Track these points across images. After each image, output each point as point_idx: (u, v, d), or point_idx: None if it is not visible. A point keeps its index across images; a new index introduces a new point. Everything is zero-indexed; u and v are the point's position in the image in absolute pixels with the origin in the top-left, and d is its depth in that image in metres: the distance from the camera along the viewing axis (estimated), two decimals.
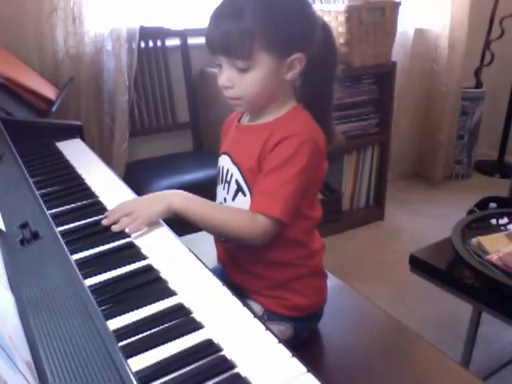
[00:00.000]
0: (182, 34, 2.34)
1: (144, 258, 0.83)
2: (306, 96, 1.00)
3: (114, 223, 0.91)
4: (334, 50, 1.02)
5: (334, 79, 1.01)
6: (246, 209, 0.95)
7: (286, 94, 0.98)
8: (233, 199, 1.01)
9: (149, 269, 0.80)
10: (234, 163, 1.00)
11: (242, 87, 0.94)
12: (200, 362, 0.60)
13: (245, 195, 0.98)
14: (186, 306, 0.70)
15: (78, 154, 1.34)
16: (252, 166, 0.96)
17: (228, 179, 1.02)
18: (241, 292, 1.01)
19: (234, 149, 1.02)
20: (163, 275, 0.78)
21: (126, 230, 0.90)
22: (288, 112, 0.98)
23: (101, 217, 0.94)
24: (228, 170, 1.02)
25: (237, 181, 0.99)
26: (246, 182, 0.98)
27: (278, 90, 0.96)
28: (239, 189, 0.99)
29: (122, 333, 0.65)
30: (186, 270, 0.80)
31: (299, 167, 0.91)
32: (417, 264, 1.45)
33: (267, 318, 1.02)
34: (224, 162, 1.03)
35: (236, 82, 0.93)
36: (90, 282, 0.76)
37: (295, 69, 0.94)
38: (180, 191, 0.95)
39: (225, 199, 1.03)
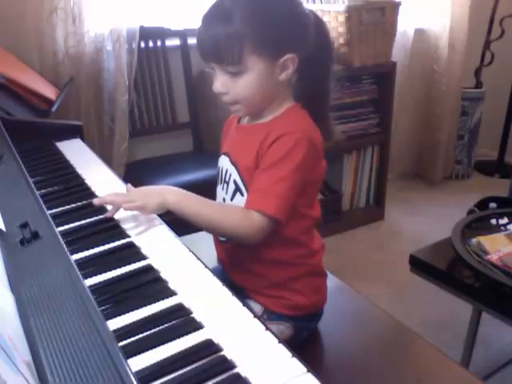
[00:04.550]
0: (182, 34, 2.34)
1: (144, 258, 0.83)
2: (303, 94, 1.00)
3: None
4: (329, 46, 1.01)
5: (330, 76, 1.01)
6: (241, 206, 0.95)
7: (282, 95, 0.98)
8: (231, 199, 1.01)
9: (149, 269, 0.80)
10: (233, 163, 1.00)
11: (236, 91, 0.93)
12: (200, 362, 0.60)
13: (242, 195, 0.98)
14: (186, 305, 0.70)
15: (78, 154, 1.34)
16: (249, 165, 0.96)
17: (227, 179, 1.02)
18: (241, 292, 1.01)
19: (233, 149, 1.02)
20: (163, 275, 0.78)
21: (124, 206, 0.92)
22: (285, 111, 0.98)
23: (101, 217, 0.95)
24: (227, 171, 1.02)
25: (235, 181, 0.99)
26: (243, 182, 0.98)
27: (274, 91, 0.96)
28: (237, 189, 0.99)
29: (122, 333, 0.65)
30: (186, 270, 0.80)
31: (294, 164, 0.91)
32: (417, 264, 1.44)
33: (267, 317, 1.02)
34: (223, 162, 1.04)
35: (230, 86, 0.93)
36: (90, 282, 0.76)
37: (288, 69, 0.94)
38: (175, 188, 0.94)
39: (224, 199, 1.03)
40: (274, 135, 0.92)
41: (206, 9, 0.93)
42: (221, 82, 0.94)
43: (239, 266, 1.04)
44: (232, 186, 1.00)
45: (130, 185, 1.01)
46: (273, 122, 0.97)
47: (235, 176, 0.99)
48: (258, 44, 0.89)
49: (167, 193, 0.93)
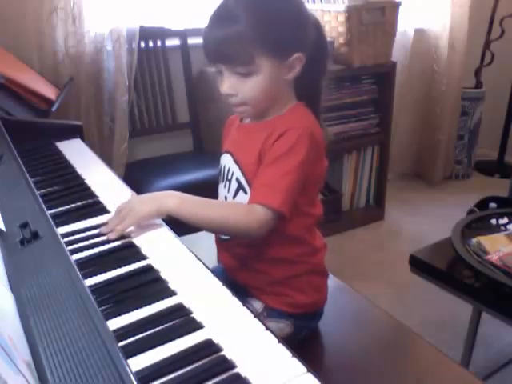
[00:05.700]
0: (182, 34, 2.34)
1: (144, 258, 0.83)
2: (299, 93, 1.00)
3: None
4: (326, 46, 1.02)
5: (325, 75, 1.01)
6: (243, 203, 0.95)
7: (287, 94, 0.99)
8: (233, 197, 1.01)
9: (149, 269, 0.80)
10: (235, 161, 1.00)
11: (246, 92, 0.93)
12: (200, 362, 0.60)
13: (246, 193, 0.98)
14: (186, 305, 0.70)
15: (78, 154, 1.34)
16: (252, 163, 0.96)
17: (229, 177, 1.02)
18: (241, 290, 1.01)
19: (236, 148, 1.02)
20: (163, 275, 0.78)
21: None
22: (288, 110, 0.98)
23: (101, 217, 0.95)
24: (229, 169, 1.02)
25: (237, 179, 0.99)
26: (246, 180, 0.98)
27: (280, 91, 0.97)
28: (240, 187, 0.99)
29: (122, 333, 0.65)
30: (186, 270, 0.80)
31: (298, 160, 0.91)
32: (417, 264, 1.45)
33: (267, 314, 1.02)
34: (226, 160, 1.04)
35: (239, 88, 0.93)
36: (90, 282, 0.76)
37: (295, 69, 0.94)
38: (174, 192, 0.94)
39: (226, 198, 1.04)
40: (278, 132, 0.93)
41: (209, 9, 0.93)
42: (229, 84, 0.93)
43: (240, 264, 1.04)
44: (234, 185, 1.00)
45: (134, 193, 1.02)
46: (276, 120, 0.97)
47: (238, 174, 0.99)
48: (267, 45, 0.89)
49: (165, 197, 0.92)
